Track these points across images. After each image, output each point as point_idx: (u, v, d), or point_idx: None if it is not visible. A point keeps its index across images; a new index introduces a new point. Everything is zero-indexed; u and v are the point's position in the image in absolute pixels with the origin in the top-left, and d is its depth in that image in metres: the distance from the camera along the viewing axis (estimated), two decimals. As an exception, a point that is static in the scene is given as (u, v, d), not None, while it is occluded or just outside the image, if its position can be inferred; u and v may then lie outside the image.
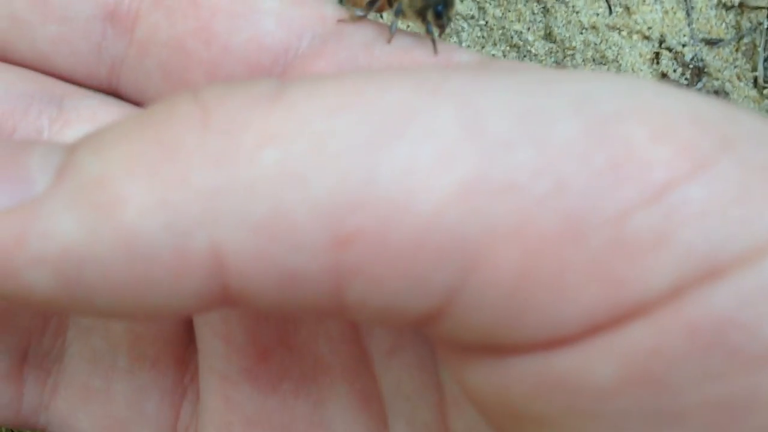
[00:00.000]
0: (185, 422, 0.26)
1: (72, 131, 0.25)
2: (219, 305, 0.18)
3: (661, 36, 0.48)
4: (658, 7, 0.49)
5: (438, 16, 0.25)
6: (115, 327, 0.26)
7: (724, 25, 0.49)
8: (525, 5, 0.48)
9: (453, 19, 0.25)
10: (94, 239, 0.17)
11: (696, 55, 0.48)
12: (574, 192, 0.17)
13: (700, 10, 0.49)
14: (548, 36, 0.48)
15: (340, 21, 0.25)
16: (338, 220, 0.17)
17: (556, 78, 0.18)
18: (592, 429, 0.18)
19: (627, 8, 0.48)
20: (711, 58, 0.48)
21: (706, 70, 0.48)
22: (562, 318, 0.17)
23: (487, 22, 0.48)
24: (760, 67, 0.48)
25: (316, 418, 0.24)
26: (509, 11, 0.48)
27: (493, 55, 0.48)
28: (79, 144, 0.18)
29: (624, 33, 0.48)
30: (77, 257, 0.17)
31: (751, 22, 0.49)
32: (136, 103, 0.26)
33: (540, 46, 0.48)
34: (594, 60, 0.48)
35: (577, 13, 0.48)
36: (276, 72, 0.25)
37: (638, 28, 0.48)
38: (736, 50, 0.49)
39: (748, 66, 0.49)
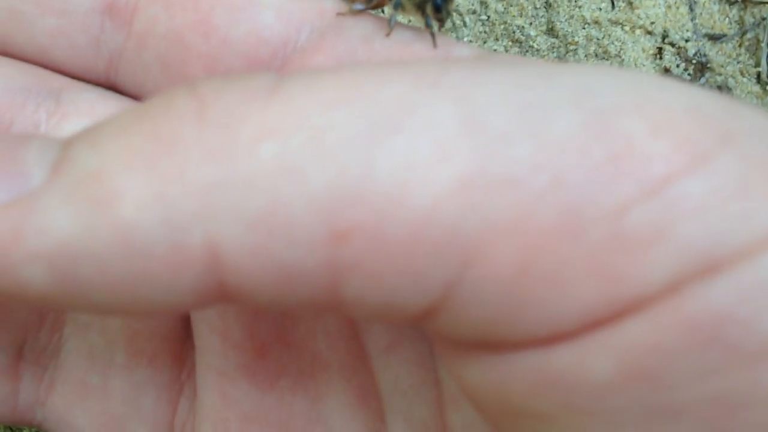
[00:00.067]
0: (182, 418, 0.26)
1: (70, 125, 0.25)
2: (216, 301, 0.18)
3: (664, 31, 0.48)
4: (661, 2, 0.48)
5: (437, 9, 0.25)
6: (112, 323, 0.26)
7: (727, 20, 0.49)
8: (527, 0, 0.48)
9: (452, 13, 0.25)
10: (91, 234, 0.17)
11: (699, 50, 0.48)
12: (572, 186, 0.17)
13: (703, 5, 0.49)
14: (550, 31, 0.48)
15: (339, 14, 0.25)
16: (336, 215, 0.17)
17: (556, 71, 0.18)
18: (590, 425, 0.18)
19: (630, 3, 0.48)
20: (714, 53, 0.48)
21: (709, 65, 0.48)
22: (561, 313, 0.17)
23: (489, 17, 0.48)
24: (764, 62, 0.48)
25: (313, 415, 0.24)
26: (511, 6, 0.48)
27: (495, 50, 0.48)
28: (75, 138, 0.18)
29: (627, 28, 0.48)
30: (73, 252, 0.17)
31: (754, 17, 0.49)
32: (135, 96, 0.26)
33: (542, 41, 0.48)
34: (596, 55, 0.48)
35: (580, 8, 0.48)
36: (275, 65, 0.25)
37: (641, 23, 0.48)
38: (740, 46, 0.49)
39: (751, 61, 0.48)
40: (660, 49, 0.48)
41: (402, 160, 0.17)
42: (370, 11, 0.25)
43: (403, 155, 0.17)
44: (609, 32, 0.48)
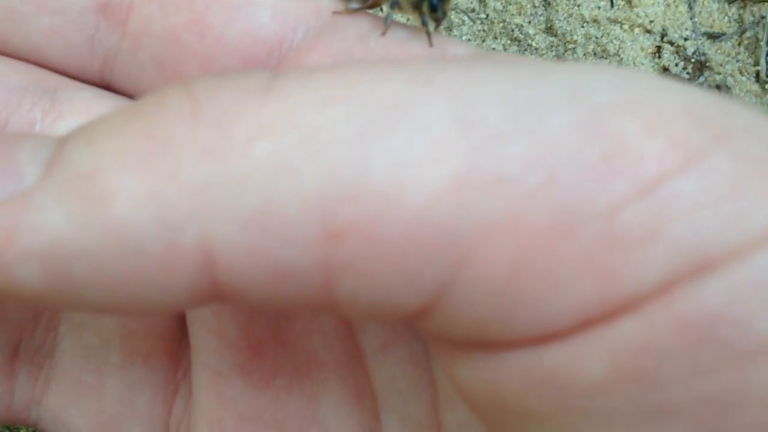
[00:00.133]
0: (177, 418, 0.26)
1: (65, 124, 0.25)
2: (210, 300, 0.18)
3: (663, 30, 0.48)
4: (660, 0, 0.48)
5: (433, 9, 0.25)
6: (107, 322, 0.26)
7: (726, 18, 0.49)
8: (526, -2, 0.48)
9: (448, 12, 0.25)
10: (84, 232, 0.17)
11: (698, 49, 0.48)
12: (565, 185, 0.17)
13: (702, 3, 0.49)
14: (549, 29, 0.48)
15: (335, 13, 0.25)
16: (330, 214, 0.17)
17: (551, 70, 0.18)
18: (583, 424, 0.18)
19: (629, 1, 0.48)
20: (713, 52, 0.48)
21: (708, 64, 0.48)
22: (553, 313, 0.17)
23: (487, 16, 0.48)
24: (763, 61, 0.48)
25: (309, 414, 0.24)
26: (510, 4, 0.48)
27: (494, 48, 0.48)
28: (69, 137, 0.18)
29: (626, 26, 0.48)
30: (67, 251, 0.17)
31: (753, 15, 0.49)
32: (130, 95, 0.26)
33: (541, 40, 0.48)
34: (595, 54, 0.48)
35: (579, 6, 0.48)
36: (270, 64, 0.24)
37: (640, 21, 0.48)
38: (739, 44, 0.49)
39: (750, 60, 0.48)
40: (659, 48, 0.48)
41: (396, 159, 0.17)
42: (367, 11, 0.25)
43: (397, 154, 0.17)
44: (608, 31, 0.48)
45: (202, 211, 0.17)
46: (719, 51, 0.48)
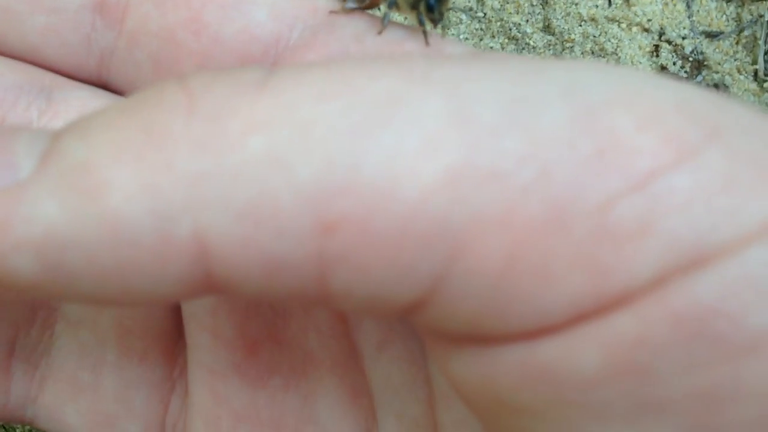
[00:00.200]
0: (174, 417, 0.26)
1: (61, 123, 0.25)
2: (204, 292, 0.18)
3: (661, 28, 0.48)
4: (658, -1, 0.48)
5: (430, 9, 0.24)
6: (103, 320, 0.26)
7: (724, 17, 0.49)
8: (524, -3, 0.48)
9: (444, 13, 0.25)
10: (78, 223, 0.17)
11: (696, 47, 0.48)
12: (559, 180, 0.17)
13: (701, 2, 0.49)
14: (547, 28, 0.48)
15: (331, 12, 0.25)
16: (323, 207, 0.17)
17: (546, 67, 0.18)
18: (577, 419, 0.18)
19: (626, 0, 0.48)
20: (711, 50, 0.48)
21: (706, 63, 0.48)
22: (547, 307, 0.17)
23: (485, 14, 0.48)
24: (761, 60, 0.48)
25: (305, 413, 0.24)
26: (507, 3, 0.48)
27: (491, 47, 0.48)
28: (64, 130, 0.18)
29: (623, 25, 0.48)
30: (61, 241, 0.17)
31: (751, 14, 0.49)
32: (126, 94, 0.26)
33: (539, 39, 0.48)
34: (593, 52, 0.48)
35: (576, 5, 0.48)
36: (267, 63, 0.24)
37: (638, 20, 0.48)
38: (737, 43, 0.49)
39: (748, 59, 0.48)
40: (657, 47, 0.48)
41: (390, 153, 0.17)
42: (364, 11, 0.25)
43: (390, 148, 0.17)
44: (605, 29, 0.48)
45: (197, 203, 0.17)
46: (717, 50, 0.48)
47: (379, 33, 0.24)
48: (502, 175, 0.17)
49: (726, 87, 0.48)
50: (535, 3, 0.48)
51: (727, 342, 0.17)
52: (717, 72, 0.48)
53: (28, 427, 0.38)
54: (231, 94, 0.17)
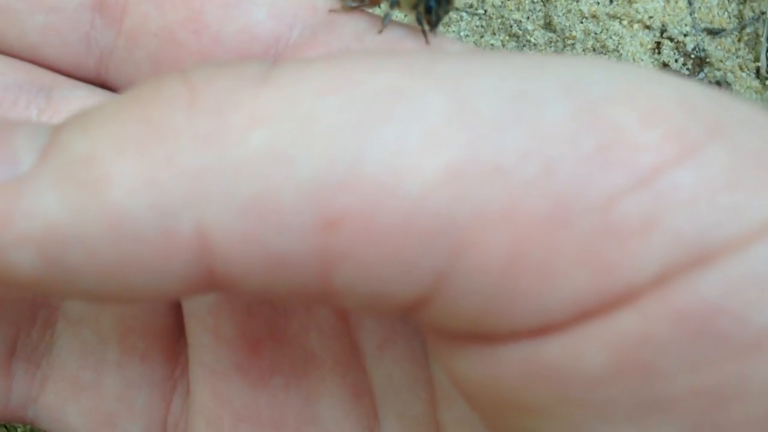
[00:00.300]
0: (175, 416, 0.26)
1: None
2: (205, 289, 0.18)
3: (663, 25, 0.48)
4: (659, -4, 0.48)
5: (428, 11, 0.24)
6: (104, 319, 0.26)
7: (726, 14, 0.49)
8: (525, -6, 0.48)
9: (443, 17, 0.25)
10: (79, 218, 0.17)
11: (698, 45, 0.48)
12: (562, 176, 0.17)
13: (702, -1, 0.49)
14: (548, 25, 0.48)
15: (331, 11, 0.25)
16: (326, 202, 0.17)
17: (548, 63, 0.18)
18: (581, 417, 0.18)
19: (628, -3, 0.48)
20: (713, 48, 0.48)
21: (707, 60, 0.48)
22: (551, 304, 0.17)
23: (486, 11, 0.48)
24: (763, 57, 0.48)
25: (306, 413, 0.24)
26: (508, 0, 0.48)
27: (492, 44, 0.47)
28: (65, 124, 0.18)
29: (625, 22, 0.48)
30: (62, 236, 0.17)
31: (753, 11, 0.49)
32: (126, 94, 0.26)
33: (540, 36, 0.48)
34: (594, 49, 0.47)
35: (578, 2, 0.48)
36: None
37: (639, 17, 0.48)
38: (739, 40, 0.49)
39: (750, 56, 0.48)
40: (658, 44, 0.48)
41: (392, 148, 0.17)
42: (365, 9, 0.25)
43: (393, 143, 0.17)
44: (607, 26, 0.48)
45: (198, 198, 0.17)
46: (719, 47, 0.48)
47: (380, 32, 0.24)
48: (505, 170, 0.17)
49: (728, 84, 0.48)
50: (535, 0, 0.48)
51: (731, 340, 0.17)
52: (719, 69, 0.48)
53: (29, 427, 0.38)
54: (233, 87, 0.17)
